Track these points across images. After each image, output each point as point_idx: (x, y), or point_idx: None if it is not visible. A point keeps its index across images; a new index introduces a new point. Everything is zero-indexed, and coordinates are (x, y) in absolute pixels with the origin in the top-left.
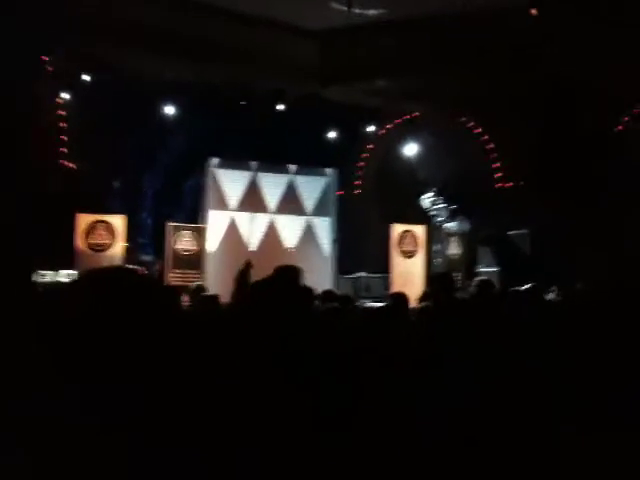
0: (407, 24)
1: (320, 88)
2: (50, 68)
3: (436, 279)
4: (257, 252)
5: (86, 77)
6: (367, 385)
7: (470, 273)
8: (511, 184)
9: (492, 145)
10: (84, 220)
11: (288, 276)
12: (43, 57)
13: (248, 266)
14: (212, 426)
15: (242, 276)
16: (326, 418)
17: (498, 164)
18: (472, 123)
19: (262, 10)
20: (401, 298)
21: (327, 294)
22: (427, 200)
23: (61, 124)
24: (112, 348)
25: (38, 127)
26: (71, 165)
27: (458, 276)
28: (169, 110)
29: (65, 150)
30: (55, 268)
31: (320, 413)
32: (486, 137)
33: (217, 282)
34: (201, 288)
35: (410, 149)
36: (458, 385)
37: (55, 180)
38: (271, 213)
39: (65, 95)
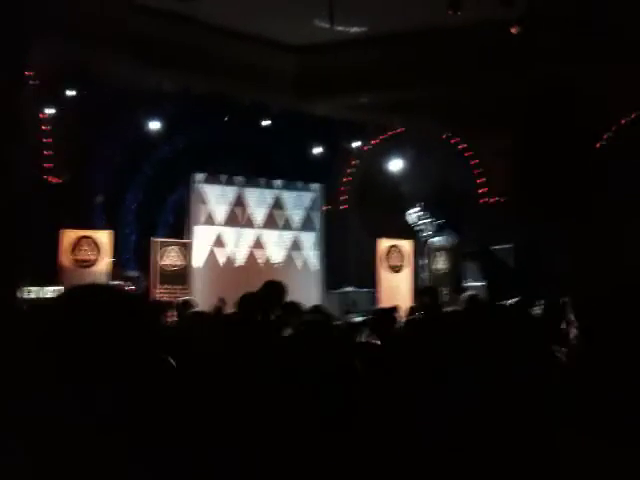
0: (389, 39)
1: (304, 103)
2: (34, 82)
3: (423, 292)
4: (243, 267)
5: (70, 91)
6: (364, 395)
7: (456, 288)
8: (495, 199)
9: (476, 160)
10: (68, 236)
11: (274, 291)
12: (26, 72)
13: (222, 303)
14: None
15: (216, 314)
16: (325, 421)
17: (483, 179)
18: (457, 139)
19: (248, 25)
20: (389, 312)
21: (316, 309)
22: (413, 215)
23: (45, 139)
24: (93, 364)
25: (22, 142)
26: (55, 180)
27: (444, 291)
28: (153, 124)
29: (50, 165)
30: (40, 284)
31: (319, 417)
32: (470, 152)
33: (204, 298)
34: (188, 303)
35: (395, 164)
36: (453, 397)
37: (39, 195)
38: (257, 228)
39: (49, 109)
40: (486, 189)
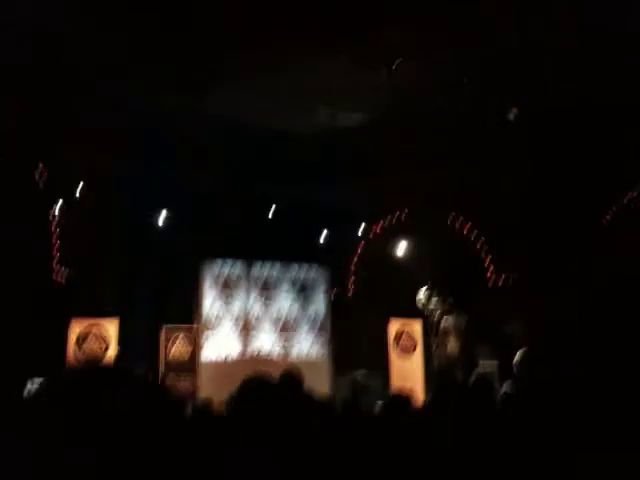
0: (390, 124)
1: (308, 190)
2: (42, 182)
3: (439, 377)
4: (251, 358)
5: (78, 188)
6: None
7: (469, 368)
8: (503, 277)
9: (483, 239)
10: (77, 327)
11: (293, 383)
12: (35, 173)
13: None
14: None
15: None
16: None
17: (489, 258)
18: (461, 218)
19: (252, 117)
20: (404, 399)
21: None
22: (422, 295)
23: (55, 239)
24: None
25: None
26: (63, 278)
27: (457, 372)
28: (162, 214)
29: (58, 267)
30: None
31: None
32: (476, 232)
33: (212, 387)
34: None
35: (401, 246)
36: None
37: (46, 289)
38: (264, 315)
39: (57, 207)
40: (494, 267)
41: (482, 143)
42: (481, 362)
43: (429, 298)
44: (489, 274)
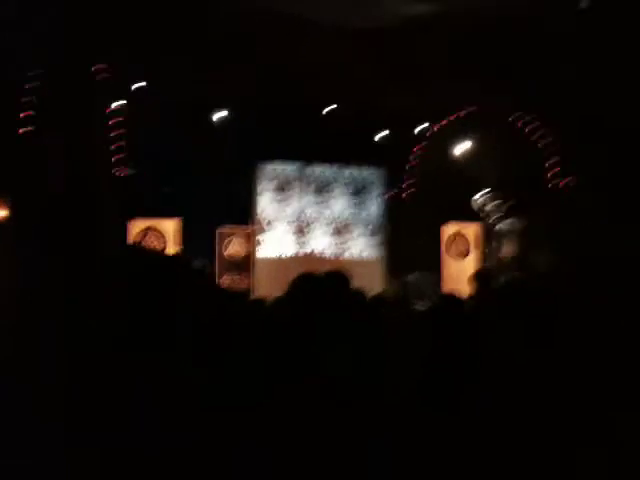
0: (454, 20)
1: (368, 88)
2: (102, 76)
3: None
4: (305, 257)
5: (137, 84)
6: None
7: (523, 273)
8: (565, 182)
9: (547, 141)
10: (136, 227)
11: (340, 280)
12: (95, 66)
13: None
14: None
15: None
16: None
17: (553, 161)
18: (527, 118)
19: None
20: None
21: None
22: (480, 199)
23: (115, 132)
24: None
25: (92, 136)
26: (124, 172)
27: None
28: (221, 114)
29: (120, 156)
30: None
31: None
32: (541, 132)
33: (267, 287)
34: None
35: (461, 147)
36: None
37: (107, 187)
38: (319, 216)
39: (116, 102)
40: (556, 171)
41: (550, 36)
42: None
43: (486, 200)
44: (550, 176)
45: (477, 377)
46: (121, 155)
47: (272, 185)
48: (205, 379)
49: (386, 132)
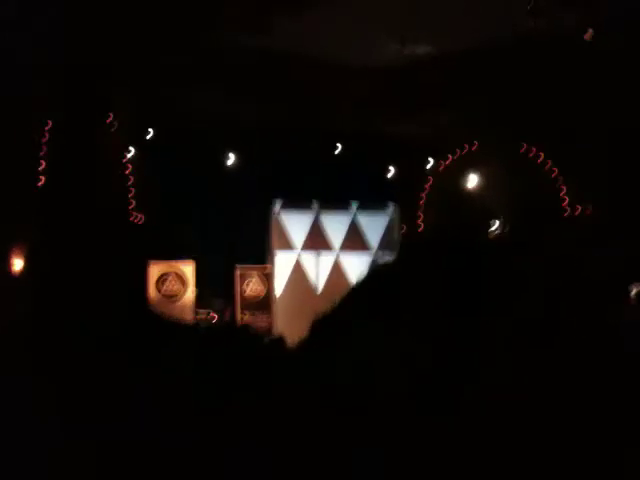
0: (460, 56)
1: (375, 126)
2: (115, 124)
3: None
4: (324, 293)
5: (150, 130)
6: None
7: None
8: (578, 210)
9: (556, 171)
10: (156, 269)
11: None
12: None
13: None
14: None
15: None
16: None
17: (564, 190)
18: (534, 150)
19: (319, 51)
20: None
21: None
22: (493, 231)
23: (129, 180)
24: None
25: (108, 185)
26: (139, 217)
27: None
28: (232, 155)
29: (133, 203)
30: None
31: None
32: (549, 163)
33: (285, 325)
34: None
35: (472, 180)
36: None
37: (125, 233)
38: (336, 251)
39: (130, 149)
40: (568, 200)
41: (555, 70)
42: None
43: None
44: (564, 205)
45: (477, 377)
46: (135, 202)
47: (287, 223)
48: (205, 379)
49: (395, 169)
